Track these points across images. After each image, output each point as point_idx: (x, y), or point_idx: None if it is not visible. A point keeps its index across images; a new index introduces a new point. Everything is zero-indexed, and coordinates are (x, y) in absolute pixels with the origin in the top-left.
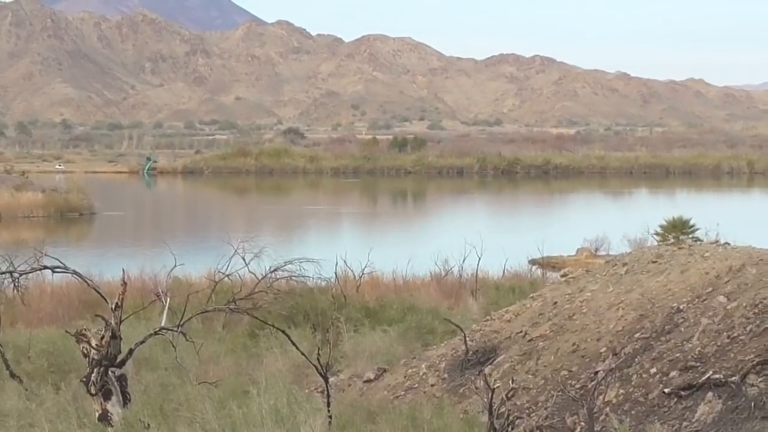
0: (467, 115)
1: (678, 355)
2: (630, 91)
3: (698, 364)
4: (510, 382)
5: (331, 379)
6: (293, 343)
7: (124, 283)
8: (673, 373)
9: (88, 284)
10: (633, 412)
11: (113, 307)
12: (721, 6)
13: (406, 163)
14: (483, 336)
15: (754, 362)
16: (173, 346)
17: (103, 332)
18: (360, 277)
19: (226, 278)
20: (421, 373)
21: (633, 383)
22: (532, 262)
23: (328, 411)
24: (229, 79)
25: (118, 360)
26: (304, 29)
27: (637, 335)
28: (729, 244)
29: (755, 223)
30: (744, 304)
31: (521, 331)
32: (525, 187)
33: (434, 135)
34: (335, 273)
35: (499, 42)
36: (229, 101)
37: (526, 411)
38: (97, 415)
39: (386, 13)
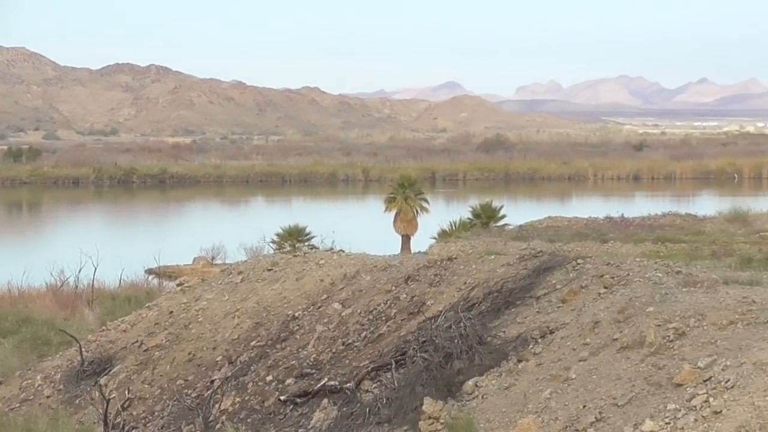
0: (83, 125)
1: (293, 362)
2: (246, 100)
3: (314, 371)
4: (126, 392)
5: None
6: None
7: None
8: (288, 381)
9: None
10: (249, 420)
11: None
12: (334, 15)
13: (21, 174)
14: (99, 346)
15: (369, 368)
16: None
17: None
18: None
19: None
20: (36, 385)
21: (249, 391)
22: (149, 271)
23: None
24: None
25: None
26: None
27: (252, 343)
28: (344, 251)
29: (370, 230)
30: (359, 311)
31: (137, 341)
32: (142, 197)
33: (50, 145)
34: None
35: (115, 51)
36: None
37: (143, 421)
38: None
39: None
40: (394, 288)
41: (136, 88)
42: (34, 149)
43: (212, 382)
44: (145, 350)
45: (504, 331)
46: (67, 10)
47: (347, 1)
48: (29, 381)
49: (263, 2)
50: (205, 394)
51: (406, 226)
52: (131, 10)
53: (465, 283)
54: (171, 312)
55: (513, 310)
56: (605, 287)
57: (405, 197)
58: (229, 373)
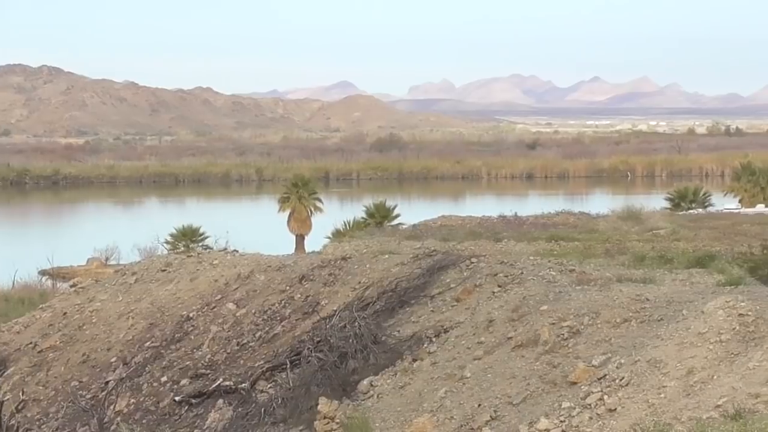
0: None
1: (188, 363)
2: (139, 101)
3: (208, 371)
4: (20, 394)
5: None
6: None
7: None
8: (183, 381)
9: None
10: (144, 421)
11: None
12: (227, 15)
13: None
14: None
15: (264, 368)
16: None
17: None
18: None
19: None
20: None
21: (144, 392)
22: (43, 272)
23: None
24: None
25: None
26: None
27: (147, 344)
28: (238, 251)
29: (264, 229)
30: (253, 311)
31: (31, 343)
32: (35, 198)
33: None
34: None
35: (5, 52)
36: None
37: (37, 423)
38: None
39: None
40: (288, 288)
41: (28, 89)
42: None
43: (107, 383)
44: (39, 352)
45: (399, 330)
46: None
47: (239, 2)
48: None
49: (156, 2)
50: (100, 396)
51: (300, 226)
52: (21, 11)
53: (359, 282)
54: (65, 313)
55: (407, 309)
56: (499, 286)
57: (299, 197)
58: (124, 374)
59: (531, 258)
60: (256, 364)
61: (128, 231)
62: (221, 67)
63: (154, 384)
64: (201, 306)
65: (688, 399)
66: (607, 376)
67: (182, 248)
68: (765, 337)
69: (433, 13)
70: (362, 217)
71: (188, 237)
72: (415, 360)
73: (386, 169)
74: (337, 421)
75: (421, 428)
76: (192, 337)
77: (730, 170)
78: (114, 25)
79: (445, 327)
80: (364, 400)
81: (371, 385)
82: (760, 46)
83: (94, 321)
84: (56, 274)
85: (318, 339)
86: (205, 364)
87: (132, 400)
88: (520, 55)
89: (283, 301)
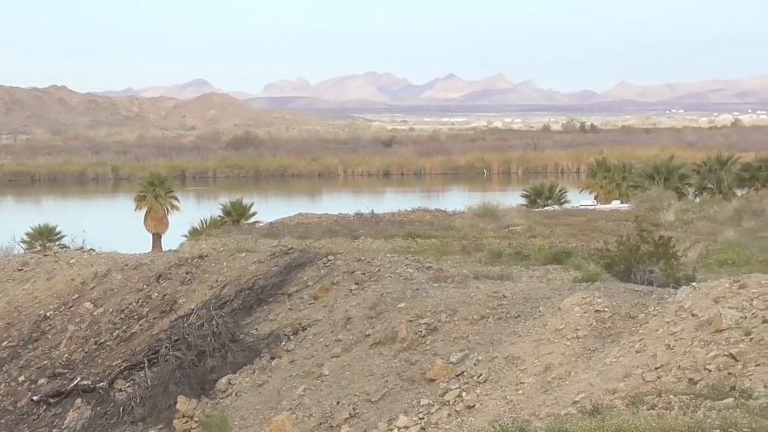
0: None
1: (46, 362)
2: None
3: (66, 370)
4: None
5: None
6: None
7: None
8: (41, 381)
9: None
10: (2, 421)
11: None
12: (81, 13)
13: None
14: None
15: (122, 367)
16: None
17: None
18: None
19: None
20: None
21: (1, 392)
22: None
23: None
24: None
25: None
26: None
27: (4, 344)
28: (94, 250)
29: (120, 228)
30: (111, 310)
31: None
32: None
33: None
34: None
35: None
36: None
37: None
38: None
39: None
40: (145, 287)
41: None
42: None
43: None
44: None
45: (256, 329)
46: None
47: None
48: None
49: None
50: None
51: (156, 225)
52: None
53: (217, 280)
54: None
55: (265, 307)
56: (357, 283)
57: (155, 195)
58: None
59: (388, 255)
60: (114, 363)
61: None
62: (76, 65)
63: (12, 383)
64: (58, 305)
65: (546, 395)
66: (465, 373)
67: (39, 247)
68: (621, 333)
69: (287, 11)
70: (219, 216)
71: (45, 236)
72: (273, 358)
73: (242, 167)
74: (196, 419)
75: (280, 426)
76: (49, 337)
77: (586, 167)
78: None
79: (303, 325)
80: (222, 398)
81: (230, 384)
82: (613, 43)
83: None
84: None
85: (176, 338)
86: (63, 363)
87: None
88: (374, 53)
89: (140, 300)
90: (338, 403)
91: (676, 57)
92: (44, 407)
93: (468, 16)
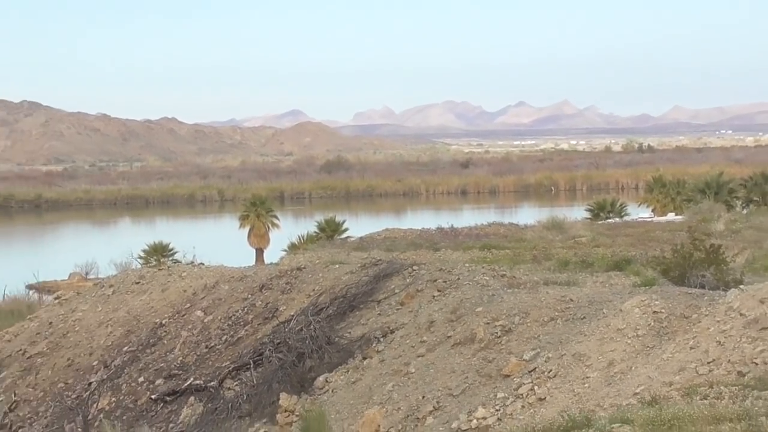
0: None
1: (162, 365)
2: (111, 131)
3: (180, 372)
4: (12, 395)
5: None
6: None
7: None
8: (158, 381)
9: None
10: (124, 417)
11: None
12: (187, 50)
13: None
14: None
15: (230, 368)
16: None
17: None
18: None
19: None
20: None
21: (123, 391)
22: (29, 287)
23: None
24: None
25: None
26: None
27: (125, 348)
28: (204, 264)
29: (226, 244)
30: (219, 317)
31: (21, 350)
32: (20, 220)
33: None
34: None
35: None
36: None
37: (28, 421)
38: None
39: None
40: (250, 296)
41: (11, 122)
42: None
43: (90, 384)
44: (28, 357)
45: (349, 332)
46: None
47: (197, 37)
48: None
49: (123, 39)
50: (84, 395)
51: (259, 240)
52: (1, 50)
53: (313, 289)
54: (50, 323)
55: (357, 313)
56: (438, 290)
57: (257, 215)
58: (105, 376)
59: (466, 265)
60: (223, 365)
61: (105, 248)
62: (184, 98)
63: (132, 384)
64: (172, 314)
65: (609, 388)
66: (537, 369)
67: (154, 262)
68: (676, 332)
69: (373, 45)
70: (314, 232)
71: (159, 252)
72: (364, 358)
73: (334, 188)
74: (297, 413)
75: (372, 419)
76: (165, 342)
77: (643, 183)
78: (86, 62)
79: (391, 328)
80: (320, 394)
81: (326, 381)
82: (668, 70)
83: (76, 329)
84: (42, 288)
85: (278, 341)
86: (177, 365)
87: (113, 399)
88: (452, 83)
89: (245, 308)
90: (423, 397)
91: (726, 82)
92: (161, 405)
93: (536, 49)
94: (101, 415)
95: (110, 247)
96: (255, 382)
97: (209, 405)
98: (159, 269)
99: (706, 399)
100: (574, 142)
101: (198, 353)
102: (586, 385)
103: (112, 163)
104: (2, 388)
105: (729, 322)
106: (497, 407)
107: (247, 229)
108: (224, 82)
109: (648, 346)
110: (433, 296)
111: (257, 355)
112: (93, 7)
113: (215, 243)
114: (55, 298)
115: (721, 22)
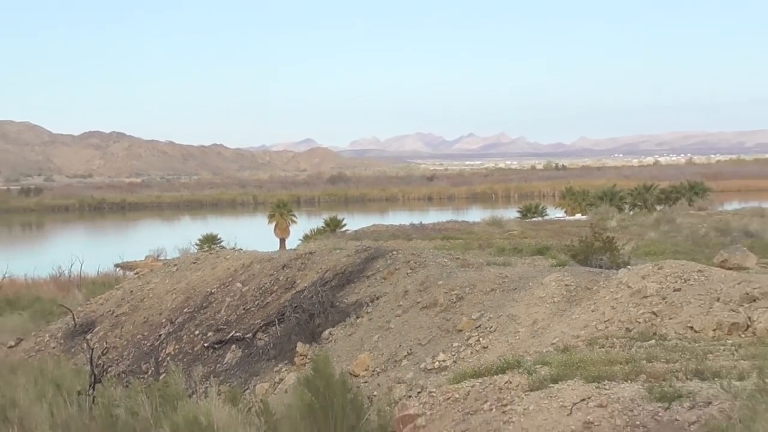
0: (69, 172)
1: (212, 322)
2: (175, 153)
3: (225, 327)
4: (104, 343)
5: None
6: None
7: None
8: (209, 333)
9: None
10: (185, 359)
11: None
12: (230, 89)
13: (29, 204)
14: (85, 315)
15: (261, 324)
16: None
17: None
18: (2, 279)
19: None
20: (45, 340)
21: (184, 341)
22: (117, 265)
23: None
24: None
25: None
26: None
27: (185, 310)
28: (242, 249)
29: (259, 236)
30: (253, 288)
31: (110, 311)
32: (110, 218)
33: (48, 185)
34: None
35: (87, 121)
36: None
37: (116, 362)
38: None
39: (9, 100)
40: (275, 272)
41: (104, 147)
42: (37, 188)
43: (160, 335)
44: (115, 316)
45: (347, 299)
46: (55, 90)
47: (238, 81)
48: (40, 338)
49: (184, 83)
50: (155, 344)
51: (282, 232)
52: (95, 91)
53: (321, 268)
54: (131, 291)
55: (352, 285)
56: (411, 269)
57: (281, 214)
58: (171, 330)
59: (431, 250)
60: (256, 322)
61: (171, 238)
62: (228, 128)
63: (190, 335)
64: (219, 285)
65: (534, 339)
66: (482, 326)
67: (206, 248)
68: (582, 299)
69: (367, 88)
70: (322, 226)
71: (210, 241)
72: (358, 317)
73: (337, 195)
74: (309, 357)
75: (362, 361)
76: (214, 305)
77: (559, 192)
78: (159, 101)
79: (377, 296)
80: (325, 344)
81: (330, 334)
82: (576, 110)
83: (150, 296)
84: (125, 266)
85: (295, 305)
86: (223, 322)
87: (176, 346)
88: (422, 118)
89: (272, 281)
90: (400, 346)
91: (619, 118)
92: (211, 351)
93: (483, 92)
94: (168, 358)
95: (175, 237)
96: (279, 334)
97: (246, 351)
98: (210, 253)
99: (603, 348)
100: (509, 162)
101: (237, 313)
102: (517, 337)
103: (176, 177)
104: (97, 339)
105: (619, 293)
106: (453, 353)
107: (273, 224)
108: (258, 117)
109: (561, 310)
110: (407, 273)
111: (280, 315)
112: (177, 55)
113: (251, 234)
114: (135, 274)
115: (619, 66)
